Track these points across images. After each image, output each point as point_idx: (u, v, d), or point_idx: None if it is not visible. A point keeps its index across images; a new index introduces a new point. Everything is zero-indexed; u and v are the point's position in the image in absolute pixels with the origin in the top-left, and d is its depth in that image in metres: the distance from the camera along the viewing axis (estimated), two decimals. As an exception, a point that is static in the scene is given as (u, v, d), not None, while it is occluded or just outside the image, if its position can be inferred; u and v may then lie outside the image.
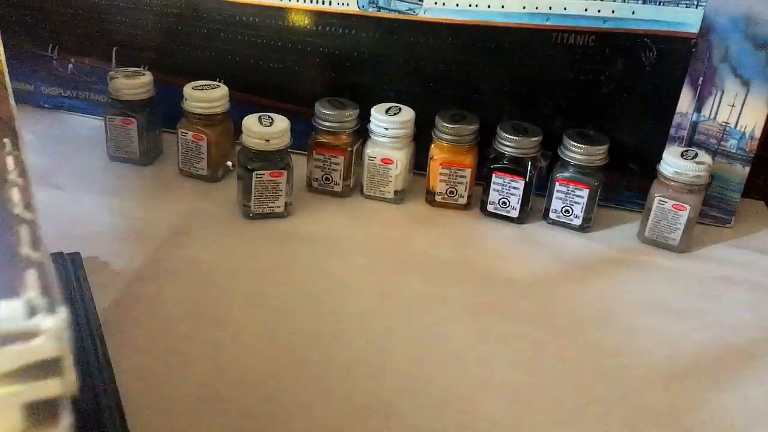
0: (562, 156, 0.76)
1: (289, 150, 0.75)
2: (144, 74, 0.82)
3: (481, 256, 0.74)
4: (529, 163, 0.76)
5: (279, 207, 0.76)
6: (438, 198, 0.81)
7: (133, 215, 0.76)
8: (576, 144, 0.75)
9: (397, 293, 0.67)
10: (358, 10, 0.82)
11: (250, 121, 0.74)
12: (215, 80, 0.82)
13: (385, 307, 0.65)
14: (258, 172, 0.73)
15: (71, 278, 0.61)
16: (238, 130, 0.77)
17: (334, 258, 0.72)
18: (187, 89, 0.79)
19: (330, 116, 0.78)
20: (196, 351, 0.58)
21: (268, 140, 0.73)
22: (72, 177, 0.81)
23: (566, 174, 0.76)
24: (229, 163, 0.83)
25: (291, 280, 0.68)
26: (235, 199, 0.78)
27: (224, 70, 0.86)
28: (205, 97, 0.79)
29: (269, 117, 0.74)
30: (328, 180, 0.81)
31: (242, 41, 0.86)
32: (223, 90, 0.80)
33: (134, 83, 0.81)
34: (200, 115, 0.79)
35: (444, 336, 0.62)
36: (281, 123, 0.74)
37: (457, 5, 0.80)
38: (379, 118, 0.78)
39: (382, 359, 0.59)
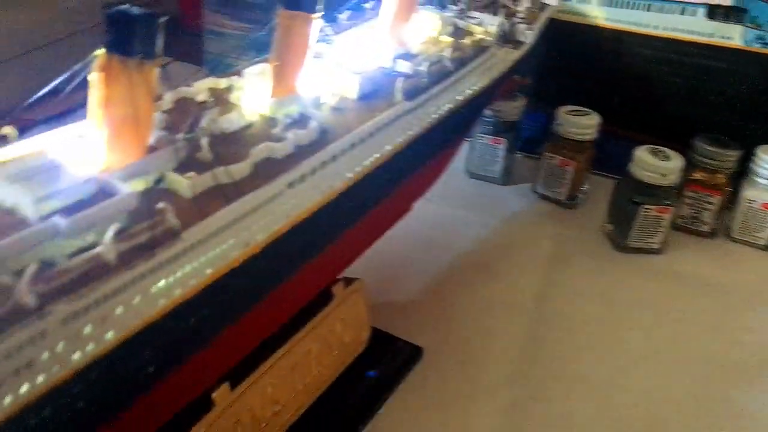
0: None
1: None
2: (518, 97, 0.83)
3: None
4: None
5: (655, 243, 0.74)
6: (818, 250, 0.76)
7: (500, 234, 0.77)
8: None
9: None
10: (741, 45, 0.79)
11: (645, 154, 0.72)
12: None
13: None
14: (646, 206, 0.72)
15: (398, 368, 0.58)
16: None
17: (709, 301, 0.69)
18: (562, 113, 0.79)
19: (712, 153, 0.75)
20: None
21: (664, 175, 0.71)
22: (435, 190, 0.83)
23: None
24: (585, 187, 0.82)
25: (671, 319, 0.67)
26: (600, 228, 0.77)
27: (581, 99, 0.85)
28: (579, 123, 0.78)
29: (663, 151, 0.73)
30: (696, 219, 0.78)
31: (605, 69, 0.85)
32: (595, 117, 0.79)
33: (510, 105, 0.81)
34: (571, 140, 0.79)
35: None
36: (677, 159, 0.72)
37: None
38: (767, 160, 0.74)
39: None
